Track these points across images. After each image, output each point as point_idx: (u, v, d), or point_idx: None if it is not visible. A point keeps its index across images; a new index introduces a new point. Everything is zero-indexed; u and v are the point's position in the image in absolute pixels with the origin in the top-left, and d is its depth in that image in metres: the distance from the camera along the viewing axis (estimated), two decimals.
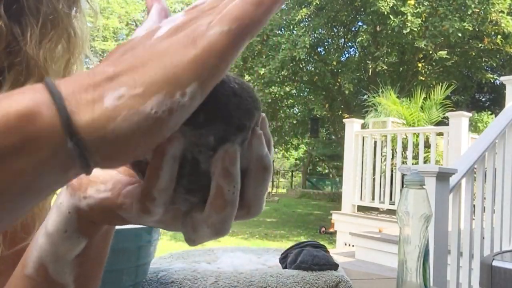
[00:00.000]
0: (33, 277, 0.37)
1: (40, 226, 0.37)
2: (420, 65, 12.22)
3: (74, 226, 0.35)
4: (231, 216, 0.30)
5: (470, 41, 10.64)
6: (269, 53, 11.10)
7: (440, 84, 7.41)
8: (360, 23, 12.19)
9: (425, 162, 5.43)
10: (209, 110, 0.27)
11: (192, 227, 0.30)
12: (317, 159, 27.29)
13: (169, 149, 0.27)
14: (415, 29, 9.46)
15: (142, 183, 0.29)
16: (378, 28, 11.05)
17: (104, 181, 0.33)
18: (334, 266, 0.83)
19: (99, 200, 0.33)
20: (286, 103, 13.49)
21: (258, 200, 0.31)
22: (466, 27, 9.29)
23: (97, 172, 0.32)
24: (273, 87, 11.48)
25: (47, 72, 0.49)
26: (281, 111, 13.69)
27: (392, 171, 5.81)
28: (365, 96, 8.21)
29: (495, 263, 1.52)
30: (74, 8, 0.53)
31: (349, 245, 5.57)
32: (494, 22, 9.58)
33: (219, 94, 0.27)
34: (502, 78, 3.88)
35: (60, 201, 0.35)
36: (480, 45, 10.60)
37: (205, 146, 0.27)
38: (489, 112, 12.47)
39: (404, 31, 9.56)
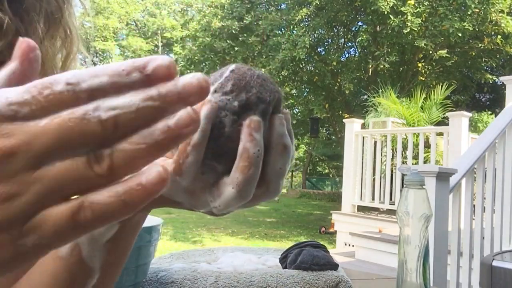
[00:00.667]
0: (66, 257, 0.39)
1: None
2: (420, 65, 12.22)
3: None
4: (255, 178, 0.32)
5: (470, 41, 10.64)
6: (269, 53, 11.10)
7: (440, 84, 7.41)
8: (360, 23, 12.19)
9: (425, 162, 5.43)
10: (236, 82, 0.33)
11: (218, 192, 0.33)
12: (317, 159, 27.29)
13: (204, 110, 0.31)
14: (415, 29, 9.46)
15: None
16: (378, 28, 11.05)
17: None
18: (334, 266, 0.83)
19: None
20: (286, 103, 13.50)
21: (277, 177, 0.34)
22: (466, 27, 9.29)
23: None
24: None
25: (44, 69, 0.50)
26: None
27: (392, 171, 5.81)
28: (365, 96, 8.22)
29: (495, 263, 1.52)
30: (69, 5, 0.53)
31: (349, 245, 5.57)
32: (494, 22, 9.57)
33: (245, 74, 0.34)
34: (502, 78, 3.87)
35: None
36: (480, 45, 10.60)
37: (230, 110, 0.32)
38: (489, 112, 12.47)
39: (404, 31, 9.56)
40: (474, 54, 11.23)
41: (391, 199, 5.84)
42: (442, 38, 9.81)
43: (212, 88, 0.33)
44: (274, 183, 0.34)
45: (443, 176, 2.50)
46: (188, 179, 0.33)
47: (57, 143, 0.20)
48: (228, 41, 11.87)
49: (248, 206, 0.35)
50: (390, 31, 10.13)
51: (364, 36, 10.48)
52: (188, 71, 14.18)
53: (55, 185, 0.20)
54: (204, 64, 13.11)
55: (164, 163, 0.33)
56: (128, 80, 0.22)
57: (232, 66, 0.35)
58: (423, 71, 12.32)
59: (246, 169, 0.31)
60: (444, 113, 6.34)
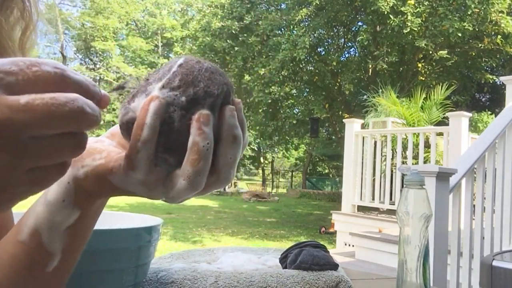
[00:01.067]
0: (26, 242, 0.39)
1: (40, 196, 0.40)
2: (420, 65, 12.22)
3: (71, 196, 0.38)
4: (204, 171, 0.34)
5: (470, 41, 10.64)
6: (269, 53, 11.10)
7: (440, 84, 7.41)
8: (360, 23, 12.19)
9: (425, 162, 5.43)
10: (183, 77, 0.34)
11: (171, 184, 0.34)
12: (317, 159, 27.29)
13: (151, 106, 0.33)
14: (415, 29, 9.46)
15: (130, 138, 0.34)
16: (378, 28, 11.05)
17: (100, 151, 0.38)
18: (334, 266, 0.83)
19: (94, 167, 0.37)
20: (286, 103, 13.49)
21: (228, 167, 0.35)
22: (466, 27, 9.29)
23: (95, 144, 0.39)
24: (273, 87, 11.48)
25: (5, 39, 0.51)
26: (281, 111, 13.69)
27: (392, 171, 5.81)
28: (365, 96, 8.21)
29: (495, 263, 1.52)
30: None
31: (349, 245, 5.57)
32: (494, 22, 9.57)
33: (193, 68, 0.35)
34: (502, 78, 3.87)
35: None
36: (480, 45, 10.60)
37: (178, 106, 0.33)
38: (489, 112, 12.47)
39: (404, 31, 9.56)
40: (474, 54, 11.23)
41: (391, 199, 5.84)
42: (442, 38, 9.81)
43: (160, 84, 0.34)
44: (225, 172, 0.35)
45: (443, 176, 2.50)
46: (141, 173, 0.34)
47: (37, 122, 0.25)
48: (228, 41, 11.87)
49: (201, 194, 0.36)
50: (390, 31, 10.13)
51: (364, 36, 10.48)
52: None
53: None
54: None
55: (118, 156, 0.36)
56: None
57: (180, 60, 0.36)
58: (423, 71, 12.32)
59: (196, 162, 0.33)
60: (444, 113, 6.33)
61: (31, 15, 0.53)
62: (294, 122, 14.40)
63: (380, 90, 7.28)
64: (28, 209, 0.42)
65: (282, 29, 12.06)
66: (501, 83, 4.50)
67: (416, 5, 9.67)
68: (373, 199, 5.95)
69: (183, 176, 0.33)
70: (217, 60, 12.78)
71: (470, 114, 5.43)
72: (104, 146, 0.38)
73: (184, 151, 0.34)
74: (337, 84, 12.54)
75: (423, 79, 11.88)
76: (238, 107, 0.36)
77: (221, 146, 0.35)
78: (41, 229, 0.39)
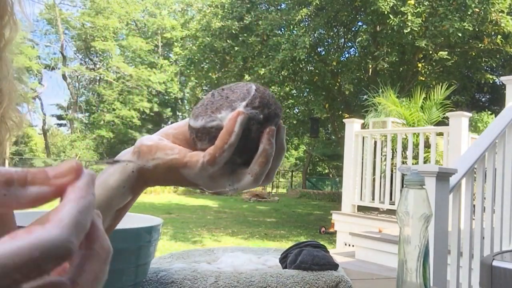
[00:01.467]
0: None
1: (97, 181, 0.44)
2: (420, 65, 12.22)
3: (131, 183, 0.45)
4: (267, 170, 0.43)
5: (470, 41, 10.63)
6: (269, 53, 11.09)
7: (440, 84, 7.40)
8: (360, 23, 12.19)
9: (425, 162, 5.43)
10: (261, 100, 0.44)
11: (237, 179, 0.43)
12: (317, 159, 27.28)
13: (239, 119, 0.42)
14: (415, 29, 9.46)
15: (215, 143, 0.42)
16: (378, 28, 11.05)
17: (171, 148, 0.45)
18: (334, 266, 0.83)
19: (168, 160, 0.45)
20: (286, 103, 13.49)
21: (274, 170, 0.45)
22: (466, 27, 9.29)
23: (162, 142, 0.46)
24: (273, 87, 11.48)
25: None
26: None
27: (392, 171, 5.81)
28: (365, 96, 8.22)
29: (495, 263, 1.51)
30: None
31: (349, 245, 5.57)
32: (494, 22, 9.57)
33: (265, 94, 0.45)
34: (502, 78, 3.87)
35: (125, 162, 0.46)
36: (480, 45, 10.59)
37: (256, 120, 0.43)
38: (489, 112, 12.47)
39: (404, 31, 9.56)
40: (474, 54, 11.22)
41: (391, 199, 5.84)
42: (442, 38, 9.81)
43: (244, 103, 0.44)
44: (272, 173, 0.45)
45: (443, 176, 2.49)
46: (216, 168, 0.42)
47: None
48: (228, 41, 11.86)
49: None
50: (390, 31, 10.12)
51: (364, 36, 10.48)
52: (188, 70, 14.18)
53: None
54: (204, 64, 13.10)
55: (192, 153, 0.44)
56: None
57: (253, 86, 0.46)
58: (423, 71, 12.31)
59: (263, 164, 0.43)
60: (444, 113, 6.33)
61: (4, 6, 0.51)
62: (294, 122, 14.40)
63: (380, 90, 7.28)
64: None
65: (282, 29, 12.06)
66: (501, 83, 4.50)
67: (416, 5, 9.67)
68: (373, 199, 5.95)
69: (251, 173, 0.43)
70: (217, 60, 12.78)
71: (470, 114, 5.43)
72: (171, 145, 0.46)
73: (249, 154, 0.43)
74: (337, 84, 12.54)
75: (423, 79, 11.88)
76: (283, 126, 0.47)
77: (274, 152, 0.44)
78: (99, 208, 0.41)
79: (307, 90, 13.63)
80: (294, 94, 13.60)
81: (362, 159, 6.09)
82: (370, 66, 11.49)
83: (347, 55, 13.22)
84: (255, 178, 0.43)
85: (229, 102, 0.45)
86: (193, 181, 0.44)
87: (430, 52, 10.55)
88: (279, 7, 12.25)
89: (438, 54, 10.25)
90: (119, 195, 0.45)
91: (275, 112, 0.45)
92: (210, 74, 13.19)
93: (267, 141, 0.42)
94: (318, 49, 12.73)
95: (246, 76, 11.83)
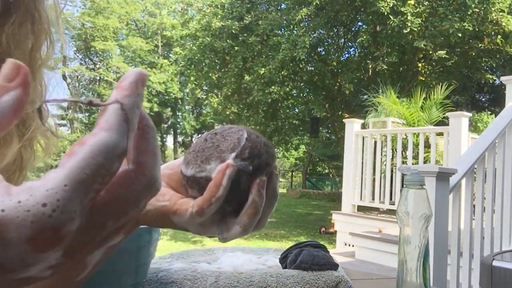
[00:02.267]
0: None
1: None
2: (420, 65, 12.21)
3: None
4: (255, 222, 0.43)
5: (470, 41, 10.63)
6: (269, 53, 11.09)
7: (440, 84, 7.40)
8: (360, 23, 12.19)
9: (425, 162, 5.43)
10: (251, 151, 0.44)
11: (226, 228, 0.43)
12: (317, 159, 27.27)
13: (228, 171, 0.41)
14: (415, 29, 9.45)
15: (203, 194, 0.42)
16: (378, 28, 11.05)
17: (162, 194, 0.45)
18: (334, 266, 0.83)
19: (158, 207, 0.44)
20: (286, 103, 13.48)
21: (265, 217, 0.45)
22: (466, 27, 9.28)
23: None
24: (273, 87, 11.47)
25: (10, 57, 0.48)
26: (281, 111, 13.69)
27: (392, 171, 5.81)
28: (365, 96, 8.21)
29: (495, 263, 1.52)
30: None
31: (349, 245, 5.57)
32: (494, 22, 9.57)
33: (256, 143, 0.45)
34: (502, 78, 3.87)
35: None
36: (480, 45, 10.59)
37: (246, 172, 0.43)
38: (489, 112, 12.47)
39: (404, 31, 9.55)
40: (474, 54, 11.22)
41: (391, 199, 5.84)
42: (442, 38, 9.81)
43: (234, 154, 0.43)
44: (262, 221, 0.45)
45: (443, 176, 2.49)
46: (204, 219, 0.42)
47: None
48: (228, 41, 11.86)
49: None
50: (390, 31, 10.12)
51: (364, 37, 10.47)
52: (188, 70, 14.18)
53: None
54: (204, 63, 13.10)
55: (183, 201, 0.44)
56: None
57: (245, 134, 0.45)
58: (423, 71, 12.31)
59: (253, 215, 0.42)
60: (444, 113, 6.33)
61: (41, 31, 0.51)
62: (294, 122, 14.39)
63: (380, 90, 7.28)
64: None
65: (282, 29, 12.05)
66: (501, 83, 4.50)
67: (416, 5, 9.66)
68: (373, 199, 5.95)
69: (239, 224, 0.43)
70: (217, 60, 12.77)
71: (470, 114, 5.43)
72: (164, 189, 0.46)
73: (239, 204, 0.43)
74: (337, 84, 12.54)
75: (423, 79, 11.88)
76: (277, 169, 0.46)
77: (266, 201, 0.44)
78: None
79: (307, 90, 13.63)
80: (294, 94, 13.60)
81: (362, 159, 6.09)
82: (370, 66, 11.49)
83: (347, 55, 13.22)
84: (243, 229, 0.43)
85: (218, 152, 0.44)
86: (183, 227, 0.44)
87: (430, 52, 10.55)
88: (279, 7, 12.25)
89: (438, 54, 10.24)
90: None
91: (266, 162, 0.44)
92: (210, 74, 13.18)
93: (257, 193, 0.42)
94: (318, 49, 12.72)
95: (246, 76, 11.83)
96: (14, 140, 0.48)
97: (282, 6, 12.15)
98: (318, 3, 10.36)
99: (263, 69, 10.89)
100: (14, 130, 0.48)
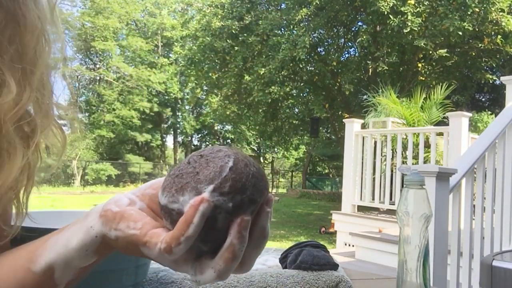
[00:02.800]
0: (38, 274, 0.42)
1: (59, 236, 0.43)
2: (420, 65, 12.21)
3: (95, 247, 0.42)
4: (233, 267, 0.37)
5: (470, 41, 10.63)
6: (269, 53, 11.09)
7: (440, 84, 7.40)
8: (360, 23, 12.18)
9: (425, 162, 5.42)
10: (233, 184, 0.37)
11: (200, 270, 0.38)
12: (317, 159, 27.28)
13: (201, 208, 0.36)
14: (415, 29, 9.45)
15: (173, 229, 0.37)
16: (378, 28, 11.04)
17: (135, 220, 0.40)
18: (334, 266, 0.83)
19: (127, 235, 0.40)
20: (286, 103, 13.49)
21: (251, 260, 0.39)
22: (466, 27, 9.28)
23: (129, 209, 0.41)
24: (273, 87, 11.48)
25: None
26: (281, 111, 13.69)
27: (392, 171, 5.81)
28: (365, 96, 8.21)
29: (495, 263, 1.51)
30: None
31: (349, 245, 5.57)
32: (494, 21, 9.57)
33: (242, 174, 0.38)
34: (502, 78, 3.87)
35: (90, 224, 0.42)
36: (480, 45, 10.59)
37: (224, 209, 0.37)
38: (489, 112, 12.46)
39: (404, 31, 9.55)
40: (474, 54, 11.22)
41: (391, 199, 5.84)
42: (442, 38, 9.80)
43: (211, 187, 0.37)
44: (248, 264, 0.39)
45: (443, 176, 2.49)
46: (175, 257, 0.37)
47: None
48: (228, 41, 11.86)
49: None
50: (390, 31, 10.12)
51: (364, 36, 10.47)
52: (188, 70, 14.18)
53: None
54: (204, 63, 13.10)
55: (153, 233, 0.39)
56: None
57: (230, 162, 0.38)
58: (423, 71, 12.31)
59: (229, 260, 0.37)
60: (444, 113, 6.33)
61: (30, 29, 0.49)
62: (294, 122, 14.39)
63: (380, 90, 7.28)
64: (42, 239, 0.44)
65: (282, 29, 12.05)
66: (501, 83, 4.50)
67: (416, 5, 9.66)
68: (373, 199, 5.95)
69: (214, 268, 0.37)
70: (217, 60, 12.77)
71: (470, 114, 5.42)
72: (138, 214, 0.41)
73: (217, 243, 0.37)
74: (337, 84, 12.54)
75: (423, 79, 11.87)
76: (270, 203, 0.40)
77: (251, 241, 0.38)
78: (57, 266, 0.42)
79: (307, 90, 13.63)
80: (294, 94, 13.60)
81: (362, 159, 6.09)
82: (370, 66, 11.49)
83: (347, 55, 13.23)
84: (218, 275, 0.37)
85: (195, 182, 0.38)
86: (155, 260, 0.40)
87: (430, 52, 10.55)
88: (279, 7, 12.25)
89: (438, 52, 10.23)
90: (82, 257, 0.42)
91: (250, 199, 0.37)
92: (210, 74, 13.19)
93: (236, 235, 0.36)
94: (318, 49, 12.72)
95: (246, 76, 11.83)
96: (19, 153, 0.46)
97: (282, 6, 12.15)
98: (318, 3, 10.36)
99: (263, 69, 10.89)
100: (17, 142, 0.46)
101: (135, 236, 0.39)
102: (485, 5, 9.24)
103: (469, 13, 9.36)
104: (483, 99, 15.78)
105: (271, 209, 0.40)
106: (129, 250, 0.41)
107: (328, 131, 18.37)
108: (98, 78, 26.66)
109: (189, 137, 30.58)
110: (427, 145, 5.67)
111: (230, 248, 0.36)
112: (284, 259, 0.87)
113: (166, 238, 0.37)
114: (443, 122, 6.41)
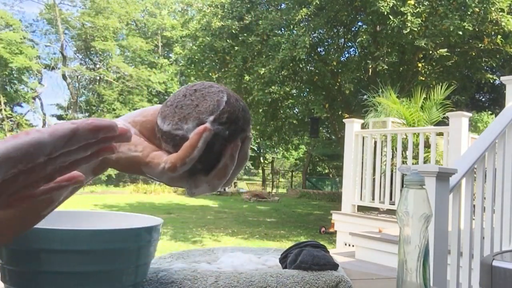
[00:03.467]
0: None
1: None
2: (420, 65, 12.21)
3: (92, 166, 0.46)
4: (224, 181, 0.45)
5: (470, 41, 10.63)
6: (269, 53, 11.09)
7: (440, 84, 7.40)
8: (360, 23, 12.18)
9: (425, 162, 5.43)
10: (229, 116, 0.45)
11: (195, 184, 0.45)
12: (317, 159, 27.29)
13: (204, 135, 0.43)
14: (415, 29, 9.45)
15: (177, 152, 0.44)
16: (378, 28, 11.04)
17: (135, 144, 0.46)
18: (334, 266, 0.83)
19: (130, 156, 0.46)
20: (286, 103, 13.48)
21: (234, 176, 0.47)
22: (466, 27, 9.28)
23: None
24: (273, 87, 11.47)
25: None
26: (281, 111, 13.69)
27: (392, 171, 5.81)
28: (365, 96, 8.21)
29: (495, 263, 1.52)
30: None
31: (349, 245, 5.57)
32: (494, 21, 9.56)
33: (235, 107, 0.45)
34: (502, 78, 3.87)
35: None
36: (480, 45, 10.59)
37: (222, 136, 0.44)
38: (489, 112, 12.48)
39: (404, 31, 9.55)
40: (474, 54, 11.22)
41: (391, 199, 5.84)
42: (442, 38, 9.80)
43: (212, 117, 0.44)
44: (231, 180, 0.47)
45: (443, 176, 2.49)
46: (176, 175, 0.44)
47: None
48: (228, 40, 11.86)
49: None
50: (390, 31, 10.12)
51: (364, 37, 10.47)
52: (188, 70, 14.17)
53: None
54: (204, 63, 13.10)
55: (155, 154, 0.45)
56: None
57: (225, 97, 0.46)
58: (423, 71, 12.31)
59: (222, 177, 0.45)
60: (444, 113, 6.33)
61: None
62: (294, 122, 14.39)
63: (380, 90, 7.28)
64: None
65: (282, 29, 12.05)
66: (501, 83, 4.50)
67: (416, 5, 9.66)
68: (373, 199, 5.95)
69: (208, 183, 0.45)
70: (217, 60, 12.77)
71: (470, 114, 5.43)
72: (136, 139, 0.47)
73: (211, 163, 0.44)
74: (337, 84, 12.54)
75: (423, 79, 11.87)
76: (250, 136, 0.48)
77: (236, 162, 0.45)
78: None
79: (307, 90, 13.63)
80: (294, 94, 13.60)
81: (362, 159, 6.09)
82: (370, 66, 11.49)
83: (347, 55, 13.22)
84: (212, 188, 0.45)
85: (197, 113, 0.45)
86: (153, 178, 0.46)
87: (430, 52, 10.55)
88: (279, 7, 12.25)
89: (438, 52, 10.23)
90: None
91: (242, 128, 0.45)
92: (210, 74, 13.18)
93: (230, 157, 0.44)
94: (318, 49, 12.72)
95: (246, 76, 11.83)
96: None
97: (282, 6, 12.14)
98: (318, 3, 10.36)
99: (263, 69, 10.89)
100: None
101: (138, 157, 0.45)
102: (485, 5, 9.23)
103: (469, 13, 9.36)
104: (483, 99, 15.78)
105: (252, 136, 0.48)
106: (128, 169, 0.46)
107: (328, 131, 18.38)
108: (98, 78, 26.65)
109: None
110: (427, 145, 5.67)
111: (223, 167, 0.44)
112: (284, 259, 0.87)
113: (171, 159, 0.43)
114: (443, 122, 6.41)
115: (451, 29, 9.27)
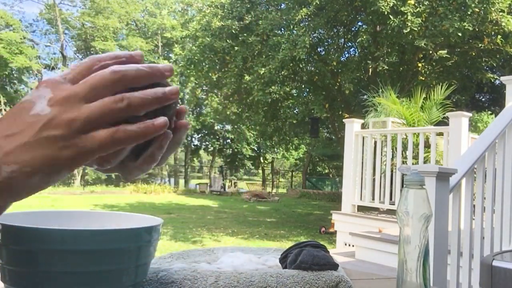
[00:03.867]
0: None
1: None
2: (420, 65, 12.21)
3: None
4: (154, 164, 0.46)
5: (470, 41, 10.63)
6: (269, 53, 11.09)
7: (440, 84, 7.40)
8: (360, 23, 12.18)
9: (425, 162, 5.43)
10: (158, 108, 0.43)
11: (128, 171, 0.46)
12: (317, 159, 27.30)
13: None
14: (415, 29, 9.45)
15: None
16: (378, 28, 11.04)
17: None
18: (334, 266, 0.82)
19: None
20: (286, 103, 13.48)
21: (165, 159, 0.48)
22: (466, 27, 9.28)
23: None
24: (273, 87, 11.47)
25: None
26: (281, 111, 13.69)
27: (392, 171, 5.81)
28: (365, 96, 8.21)
29: (495, 263, 1.52)
30: None
31: (349, 245, 5.57)
32: (494, 21, 9.57)
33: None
34: (502, 78, 3.87)
35: None
36: (480, 45, 10.59)
37: None
38: (489, 112, 12.48)
39: (404, 31, 9.55)
40: (474, 54, 11.22)
41: (391, 199, 5.84)
42: (442, 38, 9.81)
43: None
44: (162, 163, 0.48)
45: (443, 176, 2.49)
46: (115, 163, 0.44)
47: (100, 115, 0.38)
48: (228, 41, 11.86)
49: None
50: (390, 31, 10.12)
51: (364, 37, 10.47)
52: (188, 70, 14.16)
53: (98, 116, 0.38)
54: (204, 63, 13.10)
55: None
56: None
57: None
58: (423, 71, 12.31)
59: (150, 162, 0.45)
60: (444, 113, 6.33)
61: None
62: (294, 122, 14.39)
63: (380, 90, 7.28)
64: None
65: (282, 29, 12.05)
66: (501, 83, 4.50)
67: (416, 5, 9.66)
68: (373, 199, 5.95)
69: (139, 169, 0.45)
70: (217, 60, 12.77)
71: (470, 114, 5.43)
72: None
73: (140, 150, 0.44)
74: (337, 84, 12.54)
75: (423, 79, 11.88)
76: (186, 125, 0.48)
77: (169, 147, 0.46)
78: None
79: (307, 90, 13.63)
80: (294, 94, 13.60)
81: (362, 159, 6.09)
82: (370, 66, 11.49)
83: (347, 55, 13.22)
84: (142, 171, 0.46)
85: None
86: (86, 165, 0.46)
87: (430, 52, 10.55)
88: (279, 7, 12.25)
89: (438, 53, 10.24)
90: None
91: (171, 117, 0.45)
92: (210, 74, 13.18)
93: (158, 146, 0.44)
94: (318, 49, 12.72)
95: (246, 76, 11.83)
96: None
97: (282, 6, 12.15)
98: (318, 3, 10.36)
99: (263, 69, 10.89)
100: None
101: None
102: (485, 5, 9.24)
103: (469, 13, 9.36)
104: (483, 99, 15.79)
105: (189, 125, 0.49)
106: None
107: (328, 131, 18.38)
108: None
109: (189, 137, 30.58)
110: (427, 145, 5.67)
111: (151, 155, 0.44)
112: (284, 259, 0.87)
113: None
114: (443, 122, 6.41)
115: (451, 30, 9.27)
